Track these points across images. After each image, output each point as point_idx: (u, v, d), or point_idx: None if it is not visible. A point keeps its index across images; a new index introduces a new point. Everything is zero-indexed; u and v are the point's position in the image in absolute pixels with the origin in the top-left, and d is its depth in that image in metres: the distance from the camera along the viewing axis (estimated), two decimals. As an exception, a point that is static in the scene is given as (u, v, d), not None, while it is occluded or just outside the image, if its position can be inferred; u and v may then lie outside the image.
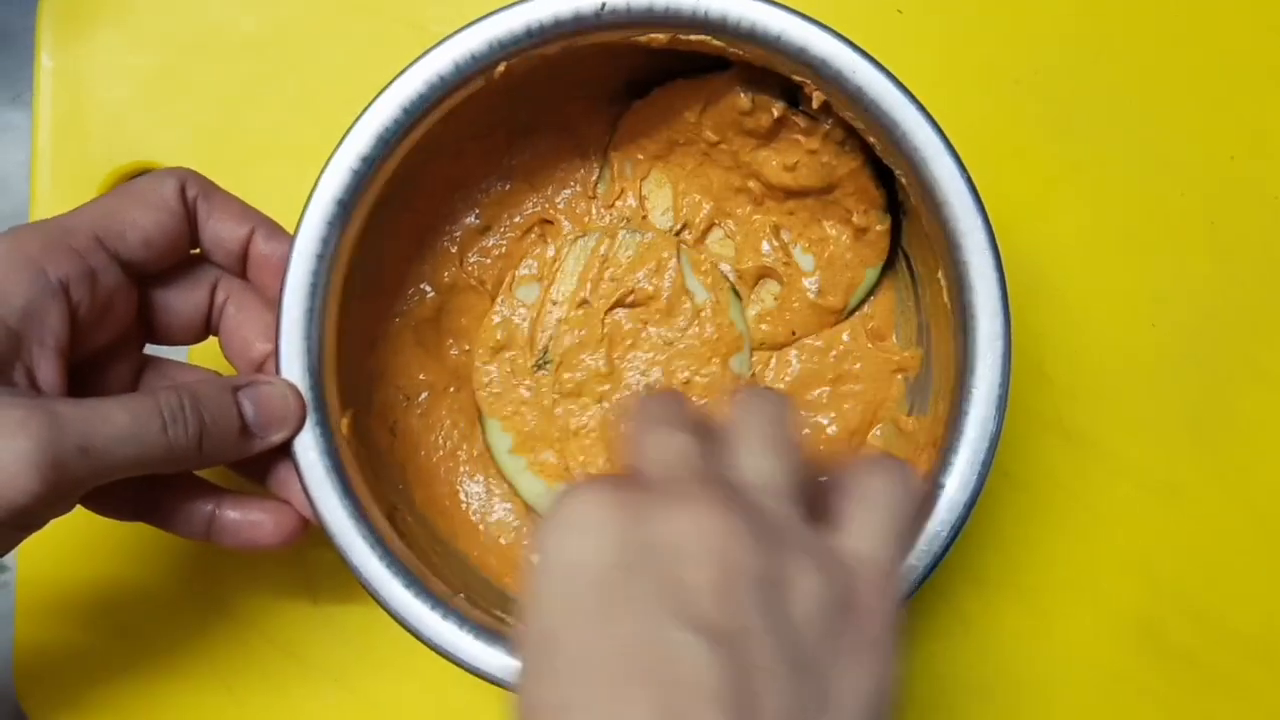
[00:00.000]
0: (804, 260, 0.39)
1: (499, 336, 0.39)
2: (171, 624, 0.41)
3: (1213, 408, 0.40)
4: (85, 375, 0.32)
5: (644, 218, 0.40)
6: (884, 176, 0.36)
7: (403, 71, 0.32)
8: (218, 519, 0.33)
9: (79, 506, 0.31)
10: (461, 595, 0.33)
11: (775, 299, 0.40)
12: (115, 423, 0.28)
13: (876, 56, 0.31)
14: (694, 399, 0.39)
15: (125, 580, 0.41)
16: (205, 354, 0.39)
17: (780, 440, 0.26)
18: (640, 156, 0.40)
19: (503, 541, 0.38)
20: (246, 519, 0.33)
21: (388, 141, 0.32)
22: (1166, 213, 0.41)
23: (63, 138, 0.41)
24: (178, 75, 0.42)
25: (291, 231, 0.32)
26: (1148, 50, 0.41)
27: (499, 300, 0.39)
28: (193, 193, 0.32)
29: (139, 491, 0.32)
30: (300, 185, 0.32)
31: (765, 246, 0.39)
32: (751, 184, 0.39)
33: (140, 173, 0.40)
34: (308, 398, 0.32)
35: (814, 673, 0.23)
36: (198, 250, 0.33)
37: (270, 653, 0.41)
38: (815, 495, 0.26)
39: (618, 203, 0.40)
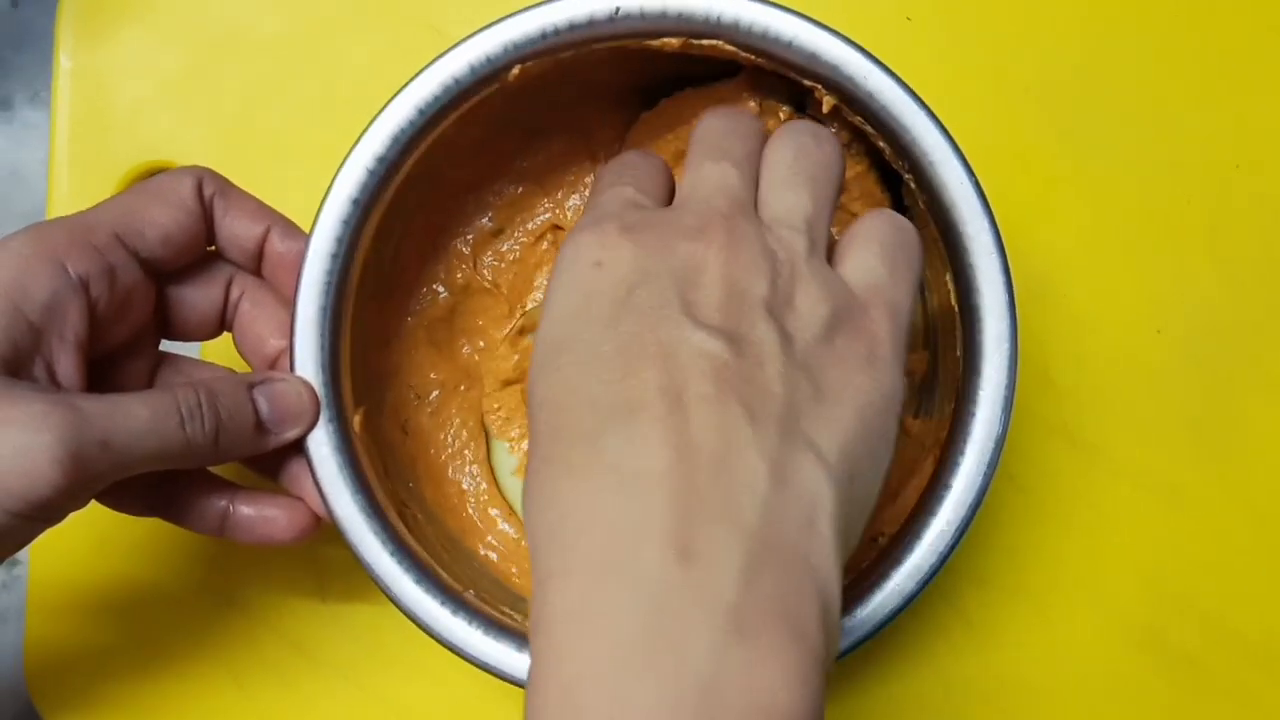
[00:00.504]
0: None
1: (512, 373, 0.39)
2: (182, 619, 0.41)
3: (1217, 412, 0.41)
4: (102, 371, 0.32)
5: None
6: (890, 180, 0.37)
7: (419, 73, 0.32)
8: (232, 515, 0.33)
9: (93, 502, 0.31)
10: (471, 592, 0.33)
11: None
12: (135, 417, 0.29)
13: (885, 64, 0.32)
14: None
15: (136, 576, 0.41)
16: (218, 351, 0.39)
17: (809, 173, 0.28)
18: None
19: (511, 538, 0.39)
20: (260, 515, 0.33)
21: (403, 142, 0.32)
22: (1171, 220, 0.41)
23: (81, 137, 0.42)
24: (196, 75, 0.42)
25: (307, 230, 0.33)
26: (1154, 58, 0.41)
27: (509, 339, 0.40)
28: (210, 191, 0.33)
29: (154, 487, 0.33)
30: (317, 185, 0.32)
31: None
32: (759, 190, 0.39)
33: (157, 172, 0.41)
34: (321, 394, 0.32)
35: (811, 371, 0.24)
36: (213, 248, 0.34)
37: (281, 649, 0.41)
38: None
39: None
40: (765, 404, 0.23)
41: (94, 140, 0.42)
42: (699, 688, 0.20)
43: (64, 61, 0.42)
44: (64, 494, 0.27)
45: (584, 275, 0.25)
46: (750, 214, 0.27)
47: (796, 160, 0.28)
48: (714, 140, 0.29)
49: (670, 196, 0.30)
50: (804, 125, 0.29)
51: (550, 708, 0.21)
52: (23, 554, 0.42)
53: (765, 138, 0.29)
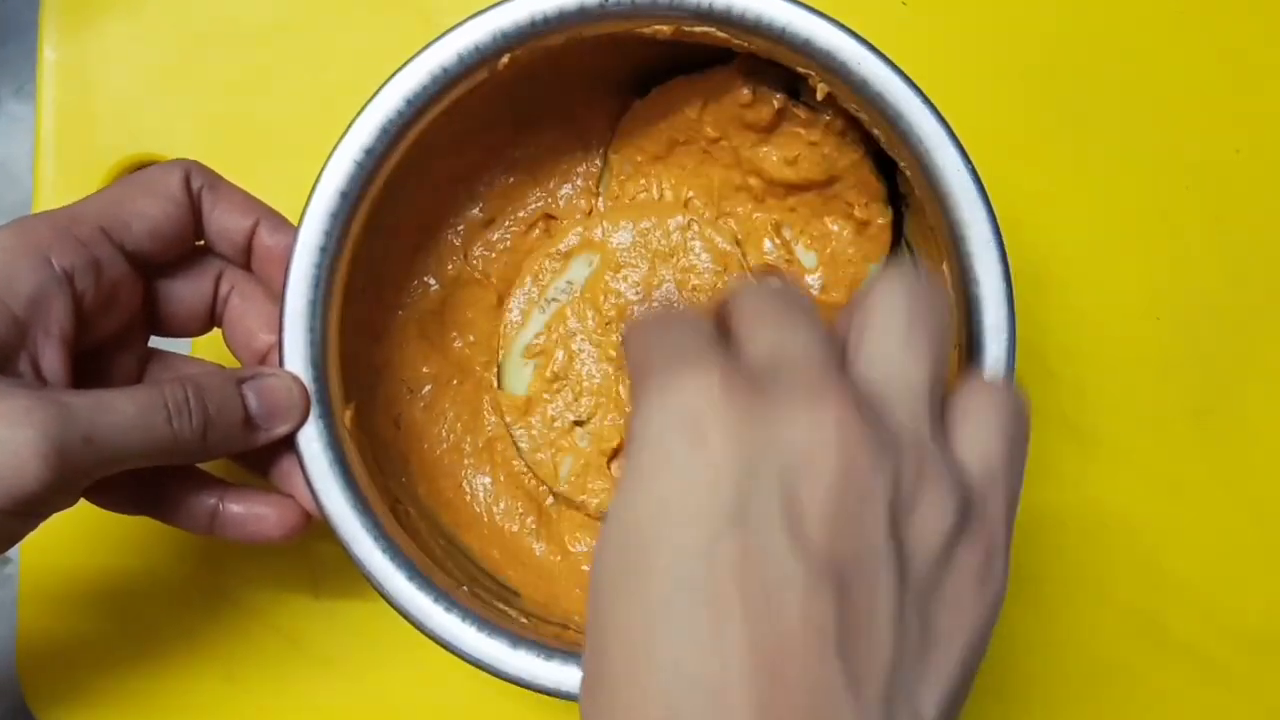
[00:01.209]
0: (806, 258, 0.39)
1: (520, 407, 0.39)
2: (174, 614, 0.41)
3: (1216, 400, 0.40)
4: (90, 366, 0.32)
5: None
6: (885, 169, 0.36)
7: (406, 63, 0.32)
8: (221, 513, 0.33)
9: (82, 499, 0.31)
10: (464, 588, 0.33)
11: None
12: (121, 413, 0.28)
13: (880, 50, 0.31)
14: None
15: (128, 570, 0.41)
16: (208, 347, 0.39)
17: (923, 331, 0.23)
18: (639, 158, 0.39)
19: (507, 532, 0.38)
20: (250, 512, 0.33)
21: (391, 133, 0.32)
22: (1171, 206, 0.41)
23: (67, 129, 0.41)
24: (182, 67, 0.42)
25: (296, 224, 0.32)
26: (1153, 43, 0.41)
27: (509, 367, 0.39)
28: (197, 184, 0.32)
29: (142, 484, 0.32)
30: (306, 177, 0.32)
31: (767, 245, 0.39)
32: (752, 181, 0.39)
33: (145, 164, 0.40)
34: (311, 390, 0.32)
35: (922, 609, 0.21)
36: (202, 242, 0.33)
37: (273, 643, 0.41)
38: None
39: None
40: (870, 663, 0.20)
41: (80, 133, 0.41)
42: None
43: (49, 54, 0.41)
44: (49, 489, 0.27)
45: (677, 454, 0.21)
46: (863, 379, 0.22)
47: (913, 311, 0.23)
48: (778, 299, 0.24)
49: None
50: (908, 271, 0.24)
51: None
52: (13, 551, 0.42)
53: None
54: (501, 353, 0.39)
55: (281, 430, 0.32)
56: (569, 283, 0.39)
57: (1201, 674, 0.40)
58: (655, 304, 0.35)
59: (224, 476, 0.34)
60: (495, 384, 0.39)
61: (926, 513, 0.21)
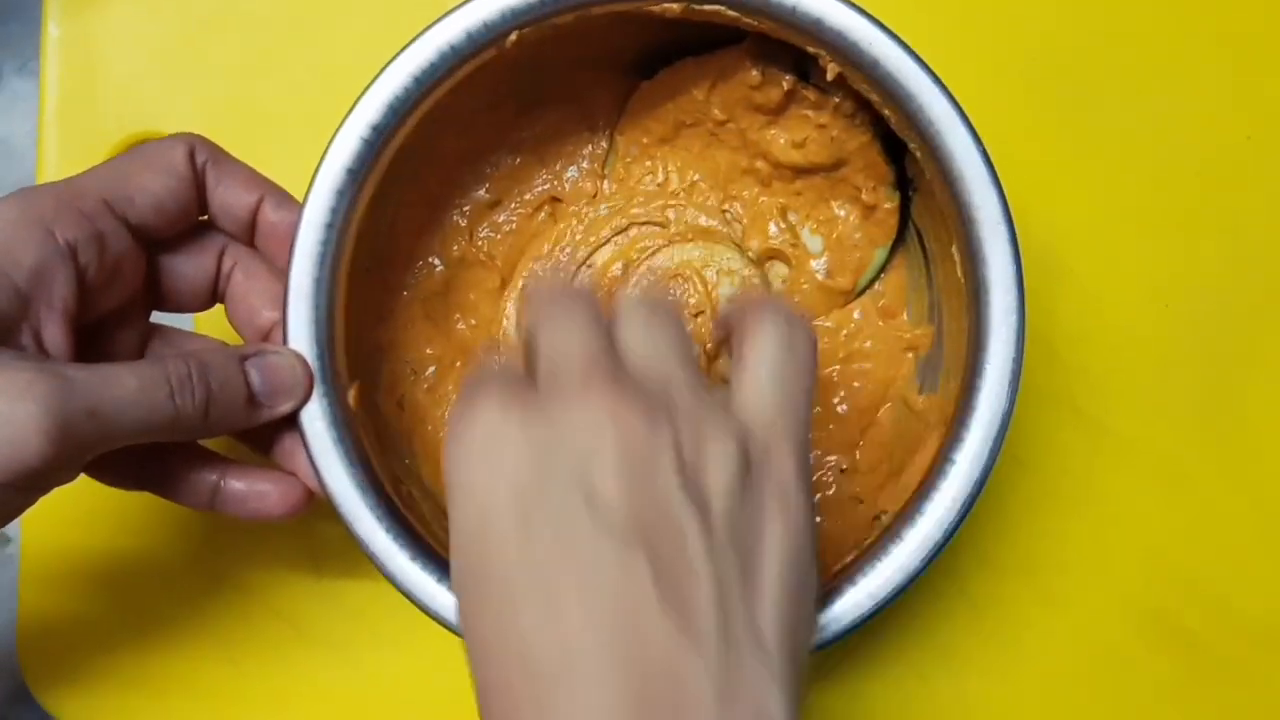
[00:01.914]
0: (812, 242, 0.39)
1: None
2: (175, 596, 0.40)
3: (1224, 389, 0.40)
4: (92, 341, 0.31)
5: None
6: (893, 152, 0.36)
7: (414, 40, 0.32)
8: (223, 489, 0.33)
9: (83, 476, 0.30)
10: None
11: (783, 281, 0.39)
12: (123, 387, 0.28)
13: (892, 30, 0.31)
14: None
15: (129, 551, 0.41)
16: (210, 323, 0.39)
17: (658, 315, 0.26)
18: (645, 140, 0.39)
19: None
20: (252, 489, 0.33)
21: (398, 111, 0.32)
22: (1182, 193, 0.40)
23: (70, 107, 0.41)
24: (186, 45, 0.41)
25: (301, 200, 0.32)
26: (1165, 28, 0.41)
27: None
28: (202, 159, 0.32)
29: (144, 460, 0.32)
30: (311, 155, 0.32)
31: (773, 228, 0.39)
32: (759, 164, 0.38)
33: (147, 142, 0.40)
34: (315, 368, 0.32)
35: (733, 543, 0.23)
36: (206, 217, 0.33)
37: (274, 625, 0.40)
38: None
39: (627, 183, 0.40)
40: (696, 602, 0.22)
41: (83, 111, 0.41)
42: None
43: (52, 31, 0.41)
44: (51, 463, 0.27)
45: (474, 476, 0.24)
46: (626, 363, 0.25)
47: (650, 310, 0.26)
48: (552, 302, 0.26)
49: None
50: (635, 294, 0.28)
51: None
52: (15, 529, 0.42)
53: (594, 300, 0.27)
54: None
55: (284, 408, 0.32)
56: None
57: (1208, 666, 0.40)
58: None
59: (226, 454, 0.34)
60: None
61: (711, 464, 0.24)
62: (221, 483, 0.33)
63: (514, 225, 0.39)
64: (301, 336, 0.32)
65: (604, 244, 0.39)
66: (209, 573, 0.41)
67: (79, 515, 0.40)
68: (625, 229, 0.40)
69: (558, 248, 0.40)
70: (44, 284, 0.29)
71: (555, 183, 0.40)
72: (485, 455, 0.23)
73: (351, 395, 0.33)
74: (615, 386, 0.24)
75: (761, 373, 0.26)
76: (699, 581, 0.22)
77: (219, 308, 0.34)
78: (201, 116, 0.41)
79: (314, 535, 0.40)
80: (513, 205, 0.39)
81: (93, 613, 0.41)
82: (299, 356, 0.32)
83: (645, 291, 0.27)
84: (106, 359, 0.30)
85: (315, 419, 0.32)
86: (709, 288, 0.39)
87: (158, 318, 0.34)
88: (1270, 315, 0.40)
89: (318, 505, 0.33)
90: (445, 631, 0.32)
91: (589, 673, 0.22)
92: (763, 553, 0.24)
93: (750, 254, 0.39)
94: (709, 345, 0.38)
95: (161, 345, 0.34)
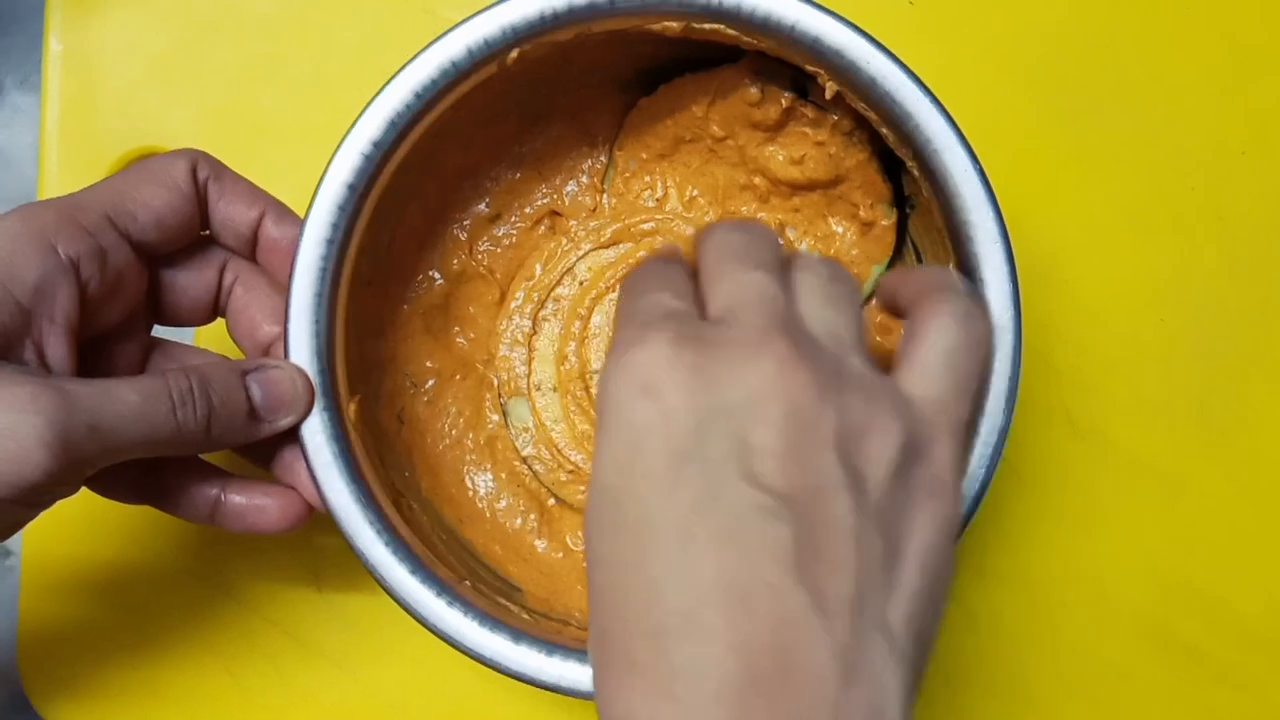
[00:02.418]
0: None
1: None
2: (175, 607, 0.41)
3: (1221, 401, 0.40)
4: (93, 355, 0.32)
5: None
6: (890, 169, 0.36)
7: (416, 56, 0.32)
8: (222, 503, 0.33)
9: (85, 489, 0.30)
10: (467, 582, 0.33)
11: None
12: (125, 402, 0.28)
13: (889, 49, 0.31)
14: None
15: (130, 563, 0.41)
16: (211, 338, 0.39)
17: (839, 294, 0.26)
18: (644, 155, 0.39)
19: (509, 528, 0.38)
20: (251, 504, 0.33)
21: (399, 127, 0.32)
22: (1176, 206, 0.41)
23: (71, 121, 0.41)
24: (188, 57, 0.42)
25: (302, 215, 0.32)
26: (1159, 42, 0.41)
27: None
28: (204, 174, 0.32)
29: (144, 474, 0.32)
30: (312, 167, 0.32)
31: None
32: (757, 180, 0.39)
33: (148, 155, 0.40)
34: (316, 382, 0.32)
35: (881, 526, 0.23)
36: (207, 232, 0.33)
37: (274, 637, 0.41)
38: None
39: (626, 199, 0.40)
40: (836, 583, 0.22)
41: (84, 123, 0.41)
42: None
43: (54, 44, 0.41)
44: (52, 478, 0.27)
45: (634, 411, 0.23)
46: (803, 327, 0.24)
47: (830, 282, 0.26)
48: (738, 248, 0.26)
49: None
50: (816, 256, 0.28)
51: None
52: (15, 541, 0.42)
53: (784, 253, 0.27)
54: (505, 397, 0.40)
55: (285, 422, 0.32)
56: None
57: (1205, 674, 0.40)
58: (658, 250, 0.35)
59: (226, 467, 0.34)
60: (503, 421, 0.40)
61: (874, 440, 0.23)
62: (221, 497, 0.33)
63: (514, 239, 0.40)
64: (303, 351, 0.32)
65: (603, 252, 0.40)
66: (209, 583, 0.41)
67: (80, 526, 0.40)
68: (620, 243, 0.40)
69: (553, 261, 0.40)
70: (46, 299, 0.29)
71: (555, 197, 0.40)
72: (649, 390, 0.23)
73: (352, 409, 0.33)
74: (792, 345, 0.23)
75: (935, 356, 0.25)
76: (841, 559, 0.22)
77: (220, 322, 0.34)
78: (203, 128, 0.41)
79: (313, 547, 0.40)
80: (513, 219, 0.40)
81: (93, 623, 0.41)
82: (300, 370, 0.32)
83: (819, 268, 0.26)
84: (108, 373, 0.31)
85: (316, 433, 0.32)
86: None
87: (161, 332, 0.34)
88: (1266, 326, 0.41)
89: (317, 518, 0.33)
90: (442, 645, 0.32)
91: (711, 626, 0.21)
92: (909, 541, 0.23)
93: None
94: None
95: (163, 359, 0.34)
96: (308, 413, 0.32)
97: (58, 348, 0.29)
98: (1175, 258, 0.41)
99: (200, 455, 0.33)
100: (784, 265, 0.26)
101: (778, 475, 0.22)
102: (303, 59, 0.41)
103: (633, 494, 0.23)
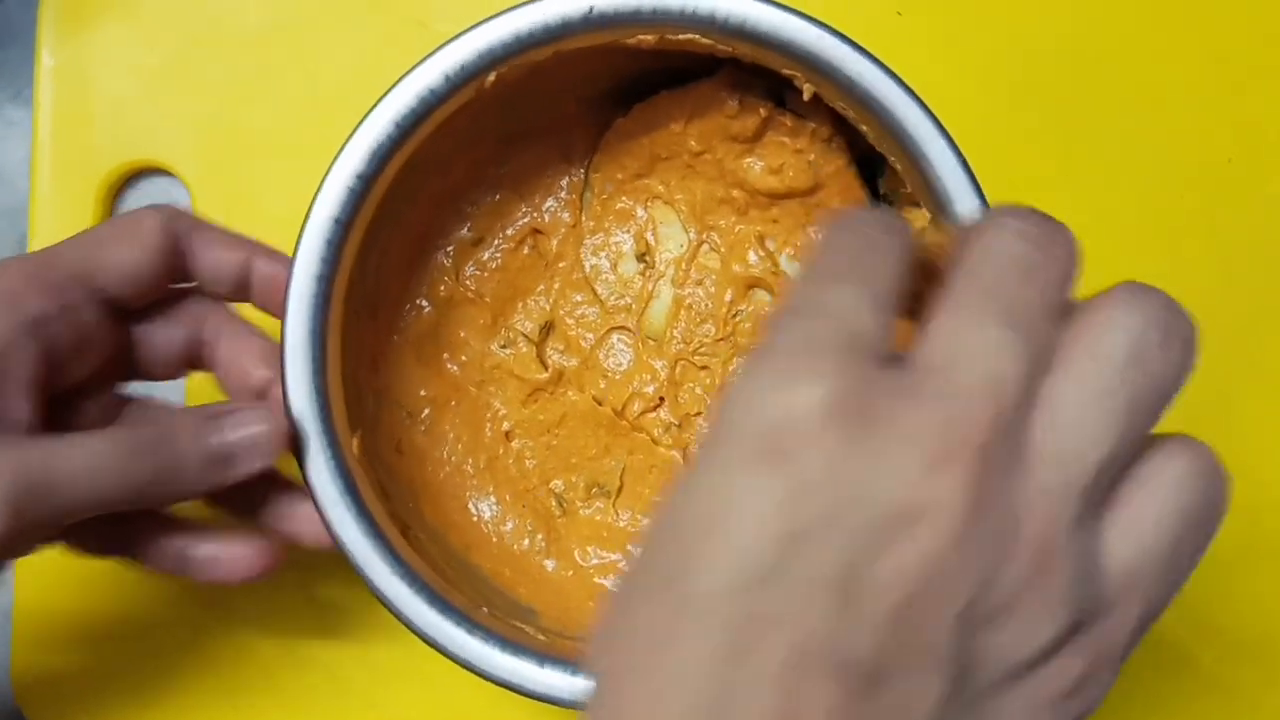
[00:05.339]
0: (791, 268, 0.39)
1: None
2: (173, 631, 0.40)
3: (1212, 409, 0.39)
4: (64, 409, 0.31)
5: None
6: (867, 174, 0.37)
7: (393, 86, 0.32)
8: (187, 555, 0.32)
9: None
10: (484, 609, 0.33)
11: (766, 309, 0.40)
12: (79, 459, 0.28)
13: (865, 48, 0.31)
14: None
15: (126, 587, 0.40)
16: (201, 390, 0.38)
17: (1140, 387, 0.19)
18: (620, 176, 0.39)
19: (517, 550, 0.38)
20: (218, 554, 0.32)
21: (381, 156, 0.32)
22: (1165, 215, 0.40)
23: (64, 135, 0.41)
24: (180, 72, 0.41)
25: (287, 252, 0.32)
26: (1146, 52, 0.41)
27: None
28: (182, 227, 0.32)
29: (110, 527, 0.32)
30: (303, 180, 0.32)
31: (752, 256, 0.39)
32: (735, 193, 0.38)
33: (141, 170, 0.41)
34: (317, 420, 0.32)
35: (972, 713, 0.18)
36: (181, 285, 0.33)
37: (271, 658, 0.40)
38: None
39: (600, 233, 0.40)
40: None
41: (77, 138, 0.41)
42: None
43: (46, 59, 0.41)
44: (9, 536, 0.26)
45: (751, 462, 0.17)
46: (1015, 440, 0.18)
47: (1131, 363, 0.19)
48: (1010, 276, 0.19)
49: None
50: (1155, 297, 0.20)
51: None
52: (7, 575, 0.41)
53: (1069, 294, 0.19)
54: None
55: (252, 467, 0.31)
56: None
57: (1196, 683, 0.40)
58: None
59: (194, 517, 0.33)
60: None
61: (1015, 628, 0.18)
62: (186, 550, 0.32)
63: (499, 261, 0.39)
64: (301, 390, 0.32)
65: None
66: (204, 600, 0.40)
67: (75, 562, 0.40)
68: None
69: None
70: (8, 356, 0.28)
71: (535, 215, 0.40)
72: (778, 442, 0.17)
73: (355, 445, 0.32)
74: (983, 469, 0.17)
75: (1169, 515, 0.19)
76: None
77: (208, 377, 0.34)
78: (195, 143, 0.41)
79: (310, 567, 0.39)
80: (496, 241, 0.39)
81: (89, 645, 0.40)
82: (265, 412, 0.31)
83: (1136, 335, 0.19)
84: (77, 428, 0.30)
85: (320, 470, 0.32)
86: None
87: (149, 389, 0.33)
88: (1256, 335, 0.40)
89: (304, 553, 0.33)
90: (452, 671, 0.31)
91: None
92: None
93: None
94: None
95: (138, 414, 0.33)
96: (277, 455, 0.31)
97: (20, 405, 0.29)
98: (1164, 267, 0.40)
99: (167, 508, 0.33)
100: (1064, 314, 0.19)
101: (870, 629, 0.17)
102: (295, 73, 0.41)
103: (696, 559, 0.18)
